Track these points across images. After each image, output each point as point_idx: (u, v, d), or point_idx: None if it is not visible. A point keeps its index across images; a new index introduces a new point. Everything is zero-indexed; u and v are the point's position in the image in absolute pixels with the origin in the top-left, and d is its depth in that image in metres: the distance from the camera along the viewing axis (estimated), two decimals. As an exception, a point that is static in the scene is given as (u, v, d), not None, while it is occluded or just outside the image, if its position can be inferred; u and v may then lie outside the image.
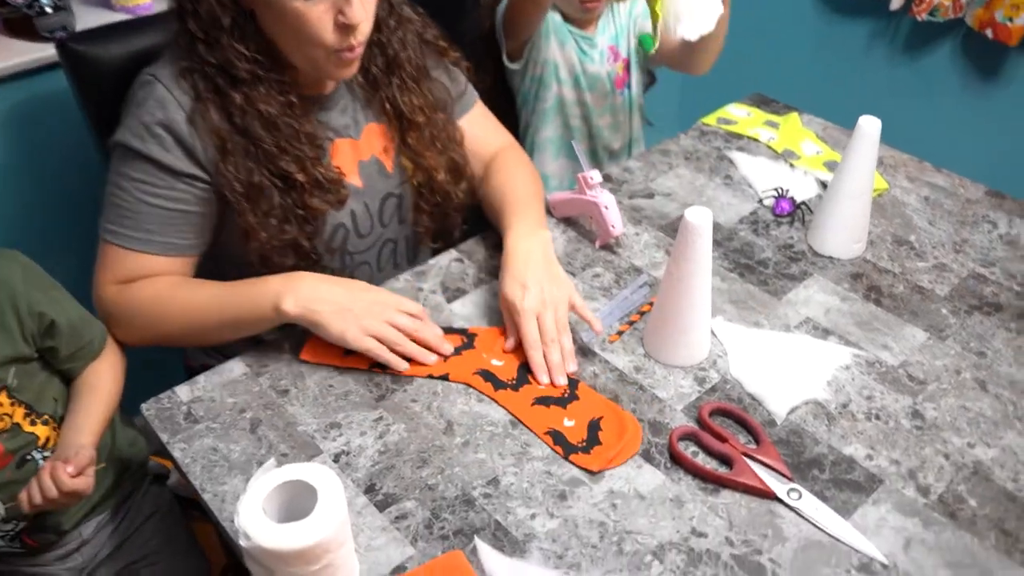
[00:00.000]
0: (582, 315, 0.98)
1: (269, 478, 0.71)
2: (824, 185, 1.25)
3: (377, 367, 0.95)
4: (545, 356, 0.95)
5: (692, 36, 1.15)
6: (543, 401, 0.92)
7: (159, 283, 0.99)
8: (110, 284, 0.99)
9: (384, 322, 0.95)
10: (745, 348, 0.98)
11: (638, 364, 0.97)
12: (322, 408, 0.91)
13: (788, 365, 0.96)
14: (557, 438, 0.88)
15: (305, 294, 0.94)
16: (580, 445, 0.87)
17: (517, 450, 0.87)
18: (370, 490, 0.83)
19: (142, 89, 0.97)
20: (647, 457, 0.86)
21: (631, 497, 0.82)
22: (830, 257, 1.13)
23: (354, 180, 1.08)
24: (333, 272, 1.05)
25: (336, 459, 0.86)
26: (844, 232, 1.11)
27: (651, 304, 1.04)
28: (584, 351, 0.98)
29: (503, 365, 0.97)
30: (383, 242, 1.15)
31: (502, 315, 1.00)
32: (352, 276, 1.09)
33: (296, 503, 0.71)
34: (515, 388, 0.94)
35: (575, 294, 0.99)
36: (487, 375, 0.95)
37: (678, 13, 1.15)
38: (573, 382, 0.95)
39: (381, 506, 0.82)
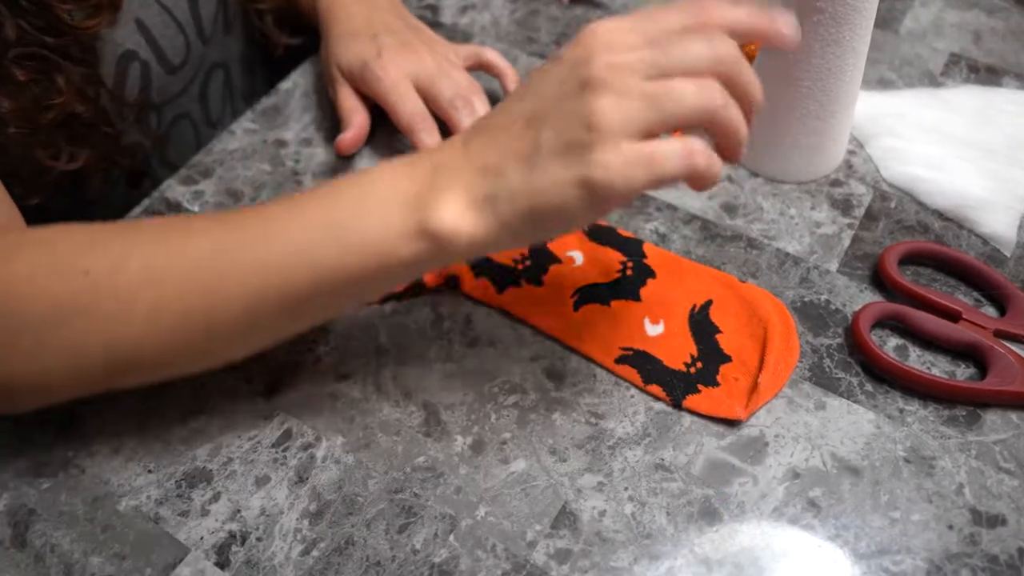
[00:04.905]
0: (490, 66, 0.57)
1: None
2: None
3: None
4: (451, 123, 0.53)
5: None
6: (592, 294, 0.48)
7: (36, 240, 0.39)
8: None
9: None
10: (890, 129, 0.56)
11: (728, 199, 0.54)
12: (159, 442, 0.44)
13: (974, 143, 0.55)
14: (645, 366, 0.45)
15: (473, 164, 0.35)
16: (693, 371, 0.45)
17: (583, 432, 0.44)
18: (317, 612, 0.39)
19: None
20: (822, 380, 0.45)
21: (835, 476, 0.42)
22: (935, -53, 0.70)
23: None
24: (138, 156, 0.58)
25: (223, 560, 0.40)
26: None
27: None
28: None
29: None
30: (207, 71, 0.61)
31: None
32: (163, 151, 0.60)
33: None
34: (534, 279, 0.48)
35: (457, 47, 0.58)
36: (483, 264, 0.49)
37: None
38: (631, 243, 0.50)
39: (353, 646, 0.38)
